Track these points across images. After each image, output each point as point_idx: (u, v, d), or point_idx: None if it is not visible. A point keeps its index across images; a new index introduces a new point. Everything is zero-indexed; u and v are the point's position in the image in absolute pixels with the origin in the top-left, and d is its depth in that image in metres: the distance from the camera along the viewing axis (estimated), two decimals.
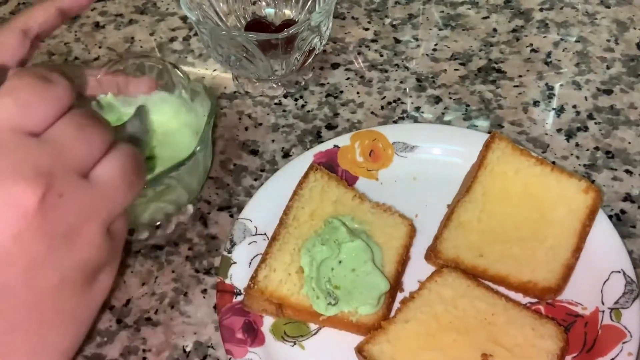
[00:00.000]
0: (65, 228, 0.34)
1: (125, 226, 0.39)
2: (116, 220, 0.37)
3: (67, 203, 0.34)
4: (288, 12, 0.70)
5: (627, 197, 0.58)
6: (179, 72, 0.57)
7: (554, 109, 0.65)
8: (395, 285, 0.52)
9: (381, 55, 0.72)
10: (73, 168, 0.35)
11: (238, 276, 0.53)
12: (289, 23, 0.67)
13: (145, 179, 0.39)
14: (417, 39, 0.74)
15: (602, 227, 0.53)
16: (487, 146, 0.57)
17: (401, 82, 0.69)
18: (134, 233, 0.58)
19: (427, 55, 0.72)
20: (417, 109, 0.67)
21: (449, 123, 0.65)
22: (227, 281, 0.52)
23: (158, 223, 0.58)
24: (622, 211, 0.57)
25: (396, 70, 0.71)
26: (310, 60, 0.66)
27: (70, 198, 0.34)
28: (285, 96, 0.69)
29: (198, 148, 0.50)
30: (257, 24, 0.68)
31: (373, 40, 0.74)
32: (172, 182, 0.50)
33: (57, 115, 0.35)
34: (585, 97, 0.66)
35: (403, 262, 0.53)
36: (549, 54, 0.71)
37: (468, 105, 0.66)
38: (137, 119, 0.48)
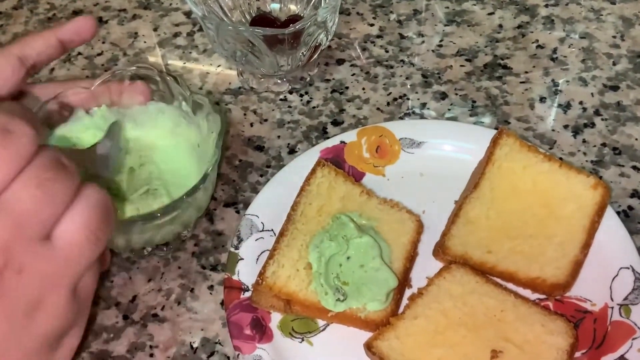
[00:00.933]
0: (26, 304, 0.32)
1: (93, 280, 0.35)
2: (83, 277, 0.34)
3: (27, 277, 0.31)
4: (293, 8, 0.70)
5: (635, 194, 0.58)
6: (178, 85, 0.55)
7: (560, 105, 0.65)
8: (404, 281, 0.52)
9: (386, 51, 0.72)
10: (33, 235, 0.31)
11: (245, 272, 0.52)
12: (294, 18, 0.67)
13: (113, 225, 0.35)
14: (422, 35, 0.73)
15: (611, 223, 0.53)
16: (494, 142, 0.57)
17: (407, 78, 0.69)
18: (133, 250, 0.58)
19: (432, 51, 0.72)
20: (423, 105, 0.66)
21: (455, 119, 0.65)
22: (235, 277, 0.52)
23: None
24: (630, 207, 0.57)
25: (402, 66, 0.70)
26: (315, 56, 0.65)
27: (31, 271, 0.31)
28: (290, 92, 0.69)
29: (210, 169, 0.50)
30: (262, 19, 0.67)
31: (378, 36, 0.74)
32: (185, 206, 0.50)
33: (16, 171, 0.31)
34: (592, 94, 0.66)
35: (411, 258, 0.53)
36: (554, 50, 0.70)
37: (474, 102, 0.66)
38: (108, 139, 0.47)
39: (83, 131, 0.54)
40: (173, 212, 0.49)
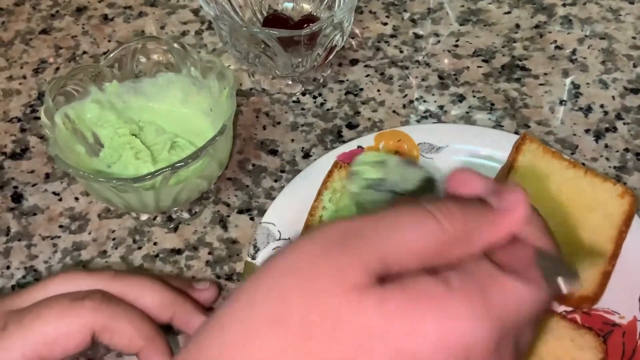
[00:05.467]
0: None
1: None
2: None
3: None
4: (307, 7, 0.68)
5: None
6: (186, 52, 0.56)
7: (581, 108, 0.64)
8: None
9: (401, 52, 0.70)
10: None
11: None
12: (308, 18, 0.65)
13: None
14: (437, 35, 0.72)
15: (639, 232, 0.51)
16: (517, 148, 0.55)
17: (423, 80, 0.67)
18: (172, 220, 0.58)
19: (448, 51, 0.70)
20: (441, 107, 0.65)
21: (474, 123, 0.63)
22: None
23: (196, 210, 0.58)
24: None
25: (417, 67, 0.68)
26: (331, 57, 0.63)
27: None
28: (303, 94, 0.67)
29: (228, 119, 0.50)
30: (275, 19, 0.65)
31: (392, 36, 0.72)
32: (208, 156, 0.49)
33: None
34: (613, 97, 0.64)
35: None
36: (573, 51, 0.69)
37: (493, 104, 0.64)
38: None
39: (96, 108, 0.55)
40: (197, 160, 0.48)
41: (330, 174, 0.56)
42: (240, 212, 0.58)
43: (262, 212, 0.57)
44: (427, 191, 0.45)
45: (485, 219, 0.32)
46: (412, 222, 0.30)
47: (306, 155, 0.62)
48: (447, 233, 0.30)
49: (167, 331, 0.49)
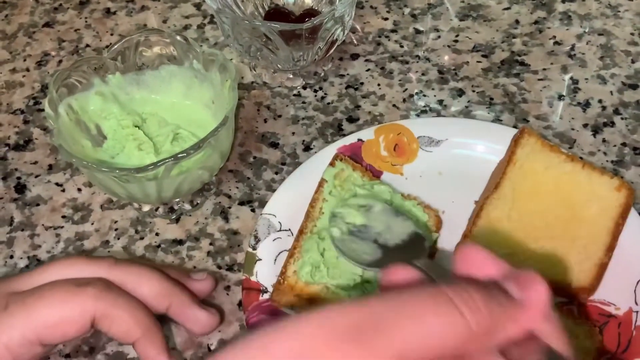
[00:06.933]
0: None
1: None
2: None
3: None
4: (308, 1, 0.68)
5: None
6: (188, 44, 0.56)
7: (579, 103, 0.64)
8: None
9: (401, 46, 0.71)
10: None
11: (264, 273, 0.51)
12: (310, 12, 0.65)
13: None
14: (437, 30, 0.72)
15: (635, 225, 0.52)
16: (516, 142, 0.56)
17: (423, 74, 0.68)
18: (174, 211, 0.58)
19: (448, 46, 0.70)
20: (440, 102, 0.65)
21: (473, 117, 0.64)
22: (253, 278, 0.51)
23: (197, 202, 0.58)
24: None
25: (417, 62, 0.69)
26: (332, 51, 0.64)
27: None
28: (304, 87, 0.67)
29: (230, 111, 0.50)
30: (276, 13, 0.66)
31: (393, 31, 0.72)
32: (210, 147, 0.50)
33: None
34: (611, 92, 0.65)
35: (431, 255, 0.52)
36: (572, 47, 0.69)
37: (492, 99, 0.65)
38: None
39: (99, 100, 0.56)
40: (199, 151, 0.49)
41: (331, 166, 0.56)
42: (241, 203, 0.59)
43: (263, 203, 0.57)
44: (413, 248, 0.45)
45: (508, 313, 0.29)
46: (434, 314, 0.27)
47: (307, 148, 0.62)
48: (471, 329, 0.28)
49: (162, 320, 0.50)
